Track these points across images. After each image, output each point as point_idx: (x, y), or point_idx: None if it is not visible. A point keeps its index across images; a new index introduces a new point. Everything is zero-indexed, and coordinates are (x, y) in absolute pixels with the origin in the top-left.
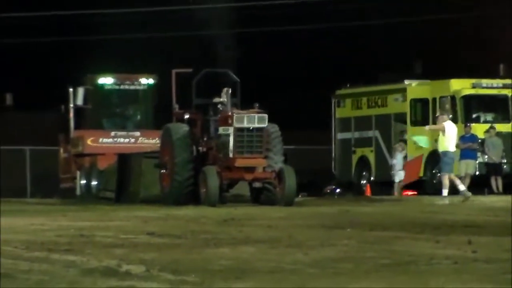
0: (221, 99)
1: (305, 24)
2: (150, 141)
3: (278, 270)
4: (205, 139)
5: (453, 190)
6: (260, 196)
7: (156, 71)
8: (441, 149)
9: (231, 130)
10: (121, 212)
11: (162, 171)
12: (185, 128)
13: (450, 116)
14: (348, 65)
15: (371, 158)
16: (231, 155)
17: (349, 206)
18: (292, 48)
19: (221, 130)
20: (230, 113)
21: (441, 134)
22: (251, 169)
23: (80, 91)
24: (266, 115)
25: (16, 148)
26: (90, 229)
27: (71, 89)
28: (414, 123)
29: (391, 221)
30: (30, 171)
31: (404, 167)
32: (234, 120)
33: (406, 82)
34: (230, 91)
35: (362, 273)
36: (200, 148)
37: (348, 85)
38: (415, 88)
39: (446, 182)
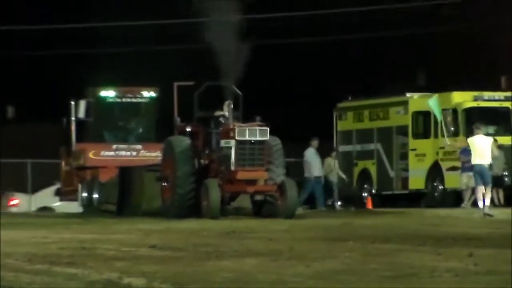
0: (223, 112)
1: (307, 36)
2: (152, 154)
3: (280, 283)
4: (206, 152)
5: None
6: (262, 208)
7: (158, 84)
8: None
9: (232, 143)
10: (123, 225)
11: (163, 184)
12: (186, 141)
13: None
14: (350, 78)
15: (373, 170)
16: (232, 168)
17: (351, 219)
18: (294, 61)
19: (222, 143)
20: (231, 126)
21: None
22: (252, 182)
23: (82, 104)
24: (267, 128)
25: (17, 161)
26: (91, 242)
27: (72, 102)
28: (416, 135)
29: (392, 234)
30: (31, 183)
31: None
32: (236, 133)
33: (408, 95)
34: (232, 104)
35: (364, 285)
36: (202, 161)
37: (350, 98)
38: (416, 100)
39: (478, 195)
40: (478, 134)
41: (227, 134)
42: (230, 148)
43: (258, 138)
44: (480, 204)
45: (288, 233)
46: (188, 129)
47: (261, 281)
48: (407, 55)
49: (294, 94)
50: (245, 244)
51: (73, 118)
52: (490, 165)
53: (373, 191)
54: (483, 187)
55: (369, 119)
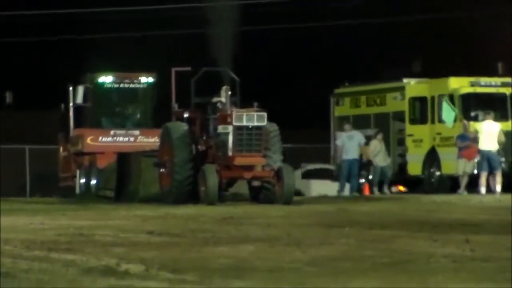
0: (220, 98)
1: (304, 22)
2: (150, 140)
3: (277, 269)
4: (204, 138)
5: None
6: (259, 194)
7: (156, 70)
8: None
9: (230, 128)
10: (121, 211)
11: (161, 170)
12: (184, 127)
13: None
14: (347, 64)
15: None
16: (230, 153)
17: (348, 205)
18: (291, 46)
19: (220, 128)
20: (229, 112)
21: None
22: (250, 168)
23: (80, 89)
24: (265, 114)
25: (15, 147)
26: (89, 228)
27: (70, 88)
28: (413, 121)
29: (389, 220)
30: (29, 170)
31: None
32: (233, 119)
33: (405, 80)
34: (229, 90)
35: (361, 272)
36: (199, 147)
37: (347, 84)
38: (413, 86)
39: (481, 180)
40: (487, 120)
41: (225, 119)
42: (227, 133)
43: (255, 124)
44: (483, 190)
45: (285, 219)
46: (185, 115)
47: (259, 267)
48: (403, 41)
49: (292, 80)
50: (243, 230)
51: (71, 104)
52: (498, 151)
53: (370, 177)
54: (486, 173)
55: (366, 105)
